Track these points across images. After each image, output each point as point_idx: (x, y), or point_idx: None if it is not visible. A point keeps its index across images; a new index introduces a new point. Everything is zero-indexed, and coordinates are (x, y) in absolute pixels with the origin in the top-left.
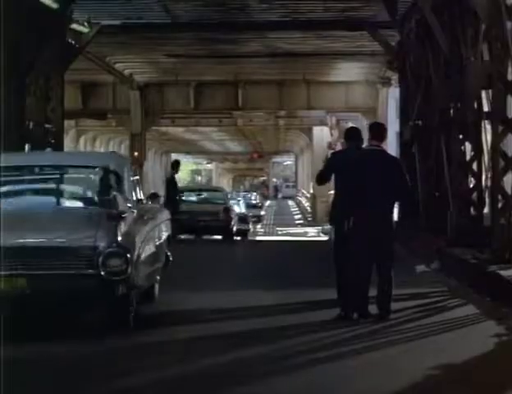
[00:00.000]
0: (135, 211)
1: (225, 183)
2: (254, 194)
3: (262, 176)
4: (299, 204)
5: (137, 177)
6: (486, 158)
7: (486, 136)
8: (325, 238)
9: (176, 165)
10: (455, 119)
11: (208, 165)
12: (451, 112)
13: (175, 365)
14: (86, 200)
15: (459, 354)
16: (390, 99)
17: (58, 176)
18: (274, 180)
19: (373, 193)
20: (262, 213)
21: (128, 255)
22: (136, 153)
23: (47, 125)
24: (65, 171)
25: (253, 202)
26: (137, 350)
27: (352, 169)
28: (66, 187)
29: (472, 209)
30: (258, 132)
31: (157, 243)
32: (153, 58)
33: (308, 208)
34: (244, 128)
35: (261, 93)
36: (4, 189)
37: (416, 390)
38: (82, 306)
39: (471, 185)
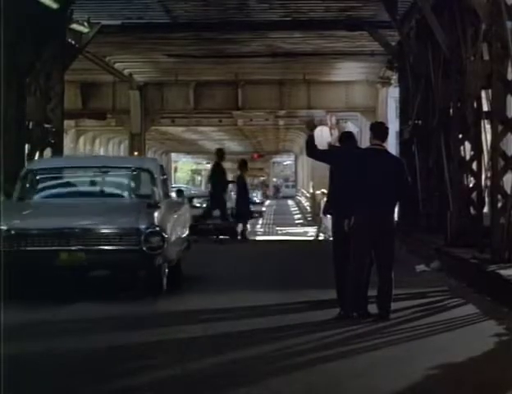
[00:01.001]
0: (165, 203)
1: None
2: (258, 192)
3: (263, 176)
4: (298, 204)
5: (166, 176)
6: (485, 157)
7: (486, 136)
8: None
9: (219, 153)
10: (455, 119)
11: (208, 165)
12: (451, 111)
13: (174, 365)
14: (130, 193)
15: (459, 353)
16: (390, 99)
17: (109, 175)
18: (274, 179)
19: (375, 192)
20: (264, 209)
21: (163, 234)
22: (136, 153)
23: (46, 125)
24: (114, 171)
25: (257, 200)
26: (137, 350)
27: (353, 168)
28: (115, 183)
29: (472, 209)
30: (258, 132)
31: (182, 229)
32: (153, 58)
33: (308, 207)
34: (244, 128)
35: (261, 93)
36: (67, 184)
37: (416, 390)
38: (127, 274)
39: (471, 185)
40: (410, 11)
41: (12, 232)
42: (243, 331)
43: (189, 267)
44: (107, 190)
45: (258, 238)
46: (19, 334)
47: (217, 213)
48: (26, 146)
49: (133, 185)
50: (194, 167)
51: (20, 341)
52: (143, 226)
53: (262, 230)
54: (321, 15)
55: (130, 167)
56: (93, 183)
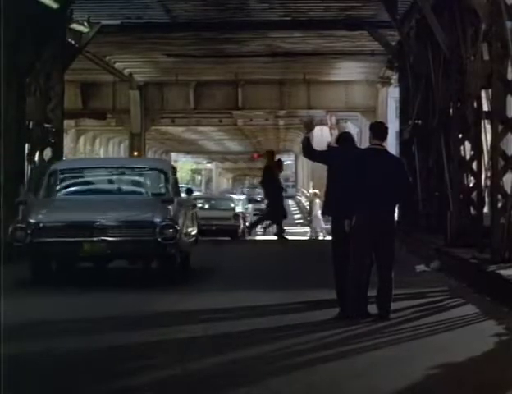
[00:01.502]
0: (177, 200)
1: (225, 183)
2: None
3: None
4: (298, 204)
5: (176, 176)
6: (485, 157)
7: (486, 136)
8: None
9: (269, 155)
10: (455, 119)
11: (208, 165)
12: (451, 111)
13: (175, 365)
14: (146, 191)
15: (459, 353)
16: (390, 99)
17: (126, 174)
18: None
19: (375, 192)
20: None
21: (176, 227)
22: (136, 153)
23: (47, 125)
24: (131, 171)
25: (259, 198)
26: (137, 350)
27: (352, 168)
28: (132, 182)
29: (472, 209)
30: (257, 132)
31: (191, 224)
32: (153, 58)
33: (308, 207)
34: (244, 128)
35: (261, 92)
36: (89, 183)
37: (416, 390)
38: (143, 262)
39: (471, 185)
40: (410, 11)
41: (41, 225)
42: (243, 331)
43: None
44: (125, 188)
45: (258, 238)
46: (19, 334)
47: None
48: (26, 146)
49: (148, 183)
50: (194, 166)
51: (20, 341)
52: (158, 220)
53: (261, 230)
54: (321, 14)
55: (145, 168)
56: (112, 182)
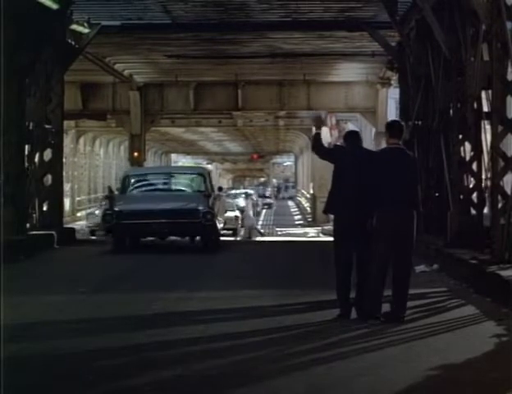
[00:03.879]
0: (213, 195)
1: (225, 183)
2: (268, 189)
3: (262, 177)
4: (298, 205)
5: (211, 178)
6: (485, 158)
7: (486, 136)
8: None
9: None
10: (455, 119)
11: (208, 165)
12: (451, 112)
13: (175, 365)
14: (193, 188)
15: (459, 354)
16: (390, 99)
17: (178, 177)
18: (274, 180)
19: (398, 192)
20: (272, 201)
21: (213, 213)
22: (136, 154)
23: (47, 126)
24: (181, 175)
25: (267, 194)
26: (137, 351)
27: (378, 167)
28: (182, 183)
29: (472, 209)
30: (257, 133)
31: (222, 212)
32: (153, 59)
33: (308, 208)
34: (243, 128)
35: (261, 93)
36: (152, 183)
37: (416, 390)
38: (191, 238)
39: (471, 186)
40: (410, 12)
41: (124, 211)
42: (243, 331)
43: (189, 266)
44: (178, 186)
45: (258, 239)
46: (19, 334)
47: None
48: (26, 147)
49: (193, 183)
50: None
51: (20, 341)
52: (201, 208)
53: (262, 231)
54: (321, 15)
55: (190, 173)
56: (168, 182)
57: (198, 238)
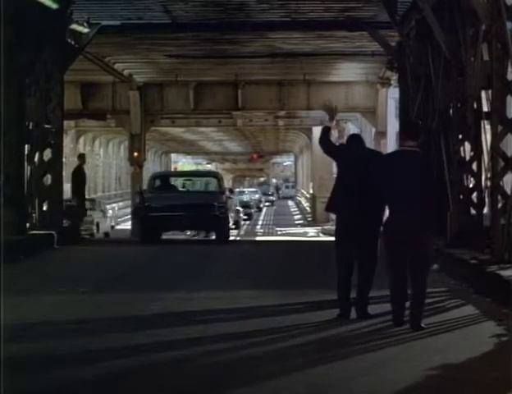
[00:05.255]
0: (225, 193)
1: (225, 183)
2: (271, 188)
3: (262, 177)
4: (298, 204)
5: (223, 179)
6: (485, 158)
7: (486, 136)
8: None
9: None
10: (455, 119)
11: (208, 165)
12: (451, 112)
13: (174, 365)
14: (209, 188)
15: (459, 354)
16: (390, 100)
17: (197, 179)
18: (274, 180)
19: (407, 199)
20: (275, 198)
21: (227, 207)
22: (136, 154)
23: (46, 126)
24: (199, 177)
25: (270, 193)
26: (136, 351)
27: (391, 171)
28: (201, 183)
29: (472, 209)
30: (257, 132)
31: (233, 208)
32: (153, 58)
33: (308, 208)
34: (243, 128)
35: (261, 93)
36: (175, 184)
37: (416, 390)
38: (207, 229)
39: (471, 185)
40: (410, 12)
41: (153, 206)
42: (243, 331)
43: (189, 266)
44: (196, 186)
45: (258, 238)
46: (19, 334)
47: None
48: (26, 146)
49: (209, 184)
50: (194, 167)
51: (20, 341)
52: (216, 203)
53: (262, 230)
54: (321, 15)
55: (206, 175)
56: (189, 184)
57: (211, 233)
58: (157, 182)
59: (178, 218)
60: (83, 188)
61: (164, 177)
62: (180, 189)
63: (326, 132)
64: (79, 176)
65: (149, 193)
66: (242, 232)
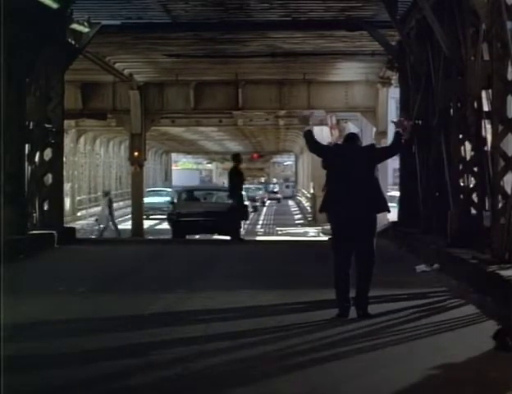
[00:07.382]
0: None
1: (225, 183)
2: (276, 185)
3: (263, 176)
4: (299, 204)
5: None
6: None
7: (487, 136)
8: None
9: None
10: (455, 119)
11: (209, 165)
12: (451, 111)
13: (175, 365)
14: (225, 200)
15: (459, 354)
16: (390, 99)
17: (215, 191)
18: (274, 180)
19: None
20: (280, 196)
21: (238, 214)
22: (136, 153)
23: (47, 126)
24: (218, 191)
25: (275, 190)
26: (136, 351)
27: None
28: (219, 195)
29: (472, 209)
30: (257, 132)
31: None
32: (153, 58)
33: (308, 207)
34: (244, 128)
35: (261, 93)
36: (199, 194)
37: (416, 390)
38: (223, 232)
39: (471, 185)
40: (410, 11)
41: (182, 212)
42: (243, 331)
43: (189, 266)
44: (215, 198)
45: (259, 238)
46: (19, 334)
47: None
48: (26, 146)
49: (223, 194)
50: (195, 167)
51: (20, 341)
52: (229, 211)
53: (262, 230)
54: (321, 15)
55: (224, 190)
56: (208, 194)
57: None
58: (184, 195)
59: (201, 223)
60: None
61: (190, 192)
62: (204, 199)
63: (308, 134)
64: None
65: (179, 203)
66: (243, 232)
